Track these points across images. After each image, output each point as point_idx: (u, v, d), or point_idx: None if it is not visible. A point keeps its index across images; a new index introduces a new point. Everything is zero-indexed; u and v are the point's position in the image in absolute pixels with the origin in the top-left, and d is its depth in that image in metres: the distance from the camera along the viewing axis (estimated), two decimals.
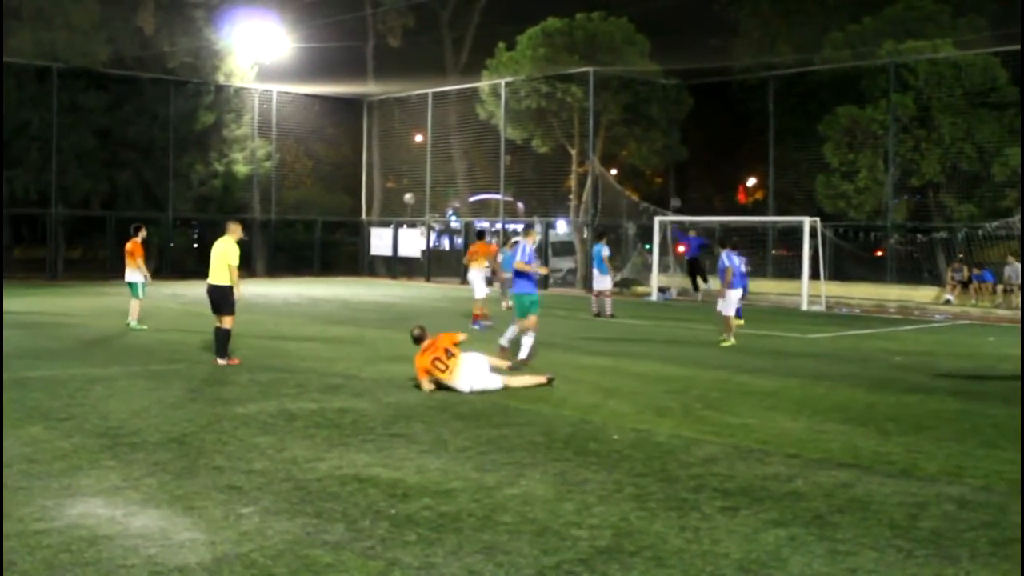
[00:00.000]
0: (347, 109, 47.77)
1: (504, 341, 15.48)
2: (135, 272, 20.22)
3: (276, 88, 44.22)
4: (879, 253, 36.30)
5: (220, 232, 15.62)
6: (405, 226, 45.12)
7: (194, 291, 27.61)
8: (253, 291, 27.55)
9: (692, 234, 34.21)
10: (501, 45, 41.93)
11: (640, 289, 35.19)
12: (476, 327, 20.75)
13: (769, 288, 33.83)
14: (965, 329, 24.32)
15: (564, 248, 41.70)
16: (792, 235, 32.76)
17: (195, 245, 46.26)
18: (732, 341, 18.91)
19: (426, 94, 44.15)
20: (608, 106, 39.35)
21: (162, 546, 6.29)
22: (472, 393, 12.35)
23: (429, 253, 44.41)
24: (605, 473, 8.37)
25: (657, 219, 34.01)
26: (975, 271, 31.49)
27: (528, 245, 15.59)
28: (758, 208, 44.19)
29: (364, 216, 47.47)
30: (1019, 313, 27.98)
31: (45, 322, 21.09)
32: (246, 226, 15.35)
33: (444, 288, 37.82)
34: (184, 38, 40.20)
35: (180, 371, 13.98)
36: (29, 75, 37.18)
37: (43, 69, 37.06)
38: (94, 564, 5.96)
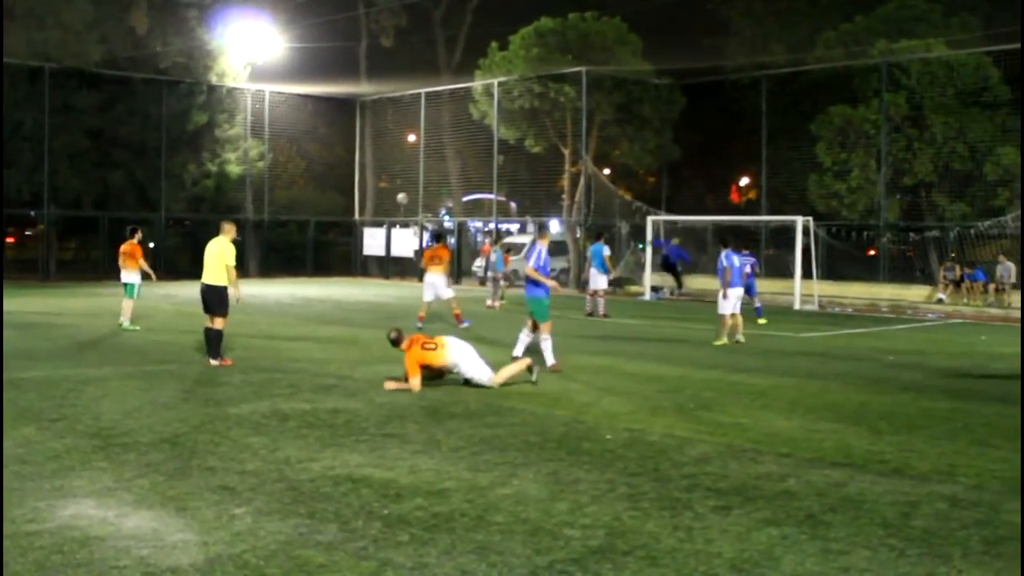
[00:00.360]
0: (340, 109, 47.74)
1: (518, 352, 15.05)
2: (132, 273, 20.16)
3: (269, 88, 44.18)
4: (872, 252, 36.37)
5: (213, 232, 15.58)
6: (398, 226, 45.10)
7: (187, 291, 27.59)
8: (246, 291, 27.36)
9: (675, 242, 34.29)
10: (494, 45, 41.94)
11: (633, 288, 35.21)
12: (466, 324, 20.81)
13: (762, 287, 33.64)
14: (957, 328, 24.37)
15: (557, 248, 41.68)
16: (785, 234, 32.80)
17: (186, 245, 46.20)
18: (724, 340, 18.92)
19: (419, 94, 44.14)
20: (601, 106, 39.37)
21: (154, 547, 6.28)
22: (460, 374, 12.67)
23: (422, 253, 44.34)
24: (598, 473, 8.37)
25: (650, 218, 34.06)
26: (967, 270, 31.54)
27: (543, 249, 15.10)
28: (751, 207, 44.22)
29: (357, 216, 47.44)
30: (1011, 312, 28.07)
31: (38, 322, 21.05)
32: (239, 226, 15.32)
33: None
34: (177, 38, 40.14)
35: (173, 372, 13.96)
36: (21, 75, 37.10)
37: (35, 69, 36.99)
38: (86, 565, 5.94)
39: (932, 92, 33.78)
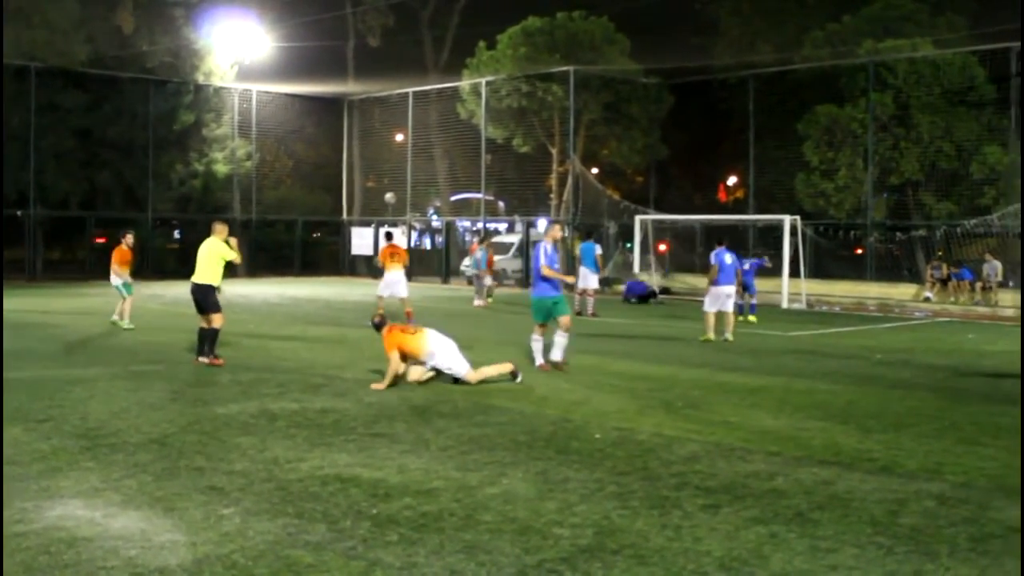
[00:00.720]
0: (327, 109, 47.68)
1: (556, 356, 14.75)
2: (124, 276, 20.11)
3: (256, 87, 44.11)
4: (859, 251, 36.50)
5: (201, 232, 15.59)
6: (386, 225, 45.03)
7: (174, 291, 27.53)
8: (234, 291, 27.40)
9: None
10: (482, 44, 41.98)
11: (621, 288, 35.18)
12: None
13: None
14: (944, 326, 24.45)
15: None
16: (772, 233, 32.86)
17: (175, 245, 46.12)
18: (710, 336, 19.01)
19: (406, 93, 44.12)
20: (588, 105, 39.43)
21: (142, 547, 6.26)
22: (436, 366, 12.83)
23: (410, 252, 44.30)
24: (587, 472, 8.37)
25: (638, 217, 34.06)
26: (954, 269, 31.65)
27: (548, 245, 14.79)
28: (739, 206, 44.33)
29: (345, 216, 47.39)
30: (998, 310, 28.17)
31: (25, 322, 20.95)
32: (227, 226, 15.33)
33: (425, 287, 37.76)
34: (163, 37, 40.04)
35: (161, 372, 13.92)
36: (7, 74, 36.93)
37: (21, 68, 36.83)
38: (73, 566, 5.92)
39: (919, 91, 33.90)
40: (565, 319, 14.64)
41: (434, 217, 50.15)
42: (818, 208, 35.83)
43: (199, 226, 42.77)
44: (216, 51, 41.73)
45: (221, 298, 15.07)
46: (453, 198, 47.81)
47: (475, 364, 13.20)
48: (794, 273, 29.73)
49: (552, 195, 41.84)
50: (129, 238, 20.55)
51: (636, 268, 33.73)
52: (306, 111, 46.89)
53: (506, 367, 13.21)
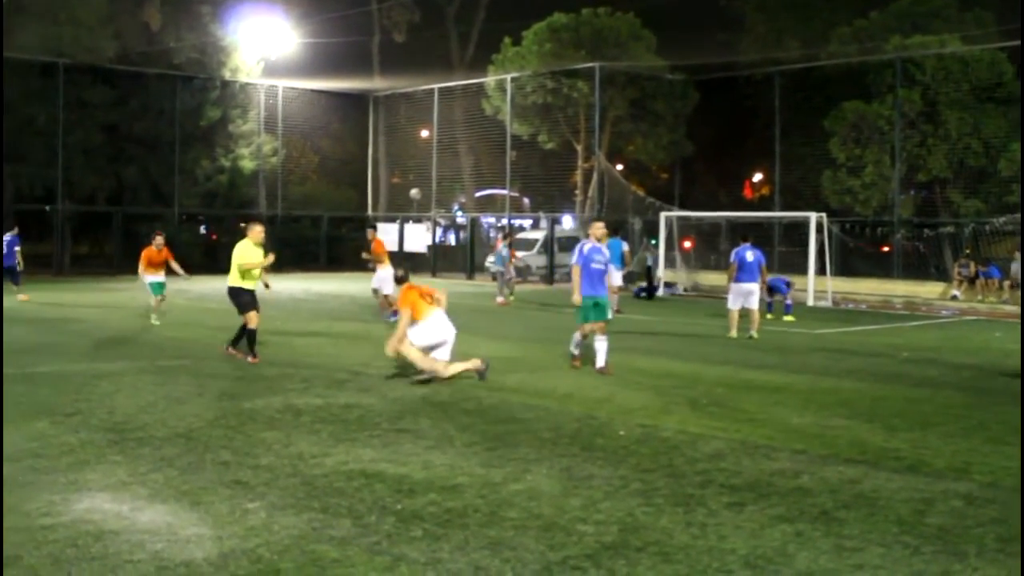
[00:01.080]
0: (353, 105, 47.81)
1: (574, 348, 14.72)
2: (158, 275, 20.11)
3: (282, 83, 44.27)
4: (885, 249, 36.26)
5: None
6: (411, 221, 45.12)
7: (200, 287, 27.63)
8: (260, 287, 27.47)
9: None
10: (507, 40, 41.97)
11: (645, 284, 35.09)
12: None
13: None
14: (972, 325, 24.27)
15: (570, 244, 41.67)
16: (798, 230, 32.72)
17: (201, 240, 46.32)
18: (733, 334, 19.00)
19: (432, 89, 44.17)
20: (614, 101, 39.36)
21: (168, 541, 6.29)
22: (422, 348, 12.66)
23: (435, 248, 44.43)
24: (611, 468, 8.36)
25: (663, 214, 33.96)
26: (981, 267, 31.42)
27: (587, 245, 14.32)
28: (764, 204, 44.17)
29: (370, 211, 47.50)
30: None
31: (51, 317, 21.12)
32: (262, 227, 14.91)
33: (450, 282, 37.78)
34: (190, 34, 40.24)
35: (187, 367, 13.98)
36: (35, 71, 37.25)
37: (49, 64, 37.11)
38: (100, 559, 5.96)
39: (946, 88, 33.67)
40: (596, 325, 14.18)
41: (459, 213, 50.19)
42: (844, 205, 35.63)
43: (225, 222, 43.08)
44: (242, 47, 41.92)
45: (262, 295, 15.02)
46: (478, 194, 47.86)
47: (501, 359, 13.15)
48: (820, 271, 29.59)
49: (577, 191, 41.80)
50: (159, 239, 20.30)
51: (661, 265, 33.55)
52: (332, 107, 47.03)
53: (473, 363, 13.00)
